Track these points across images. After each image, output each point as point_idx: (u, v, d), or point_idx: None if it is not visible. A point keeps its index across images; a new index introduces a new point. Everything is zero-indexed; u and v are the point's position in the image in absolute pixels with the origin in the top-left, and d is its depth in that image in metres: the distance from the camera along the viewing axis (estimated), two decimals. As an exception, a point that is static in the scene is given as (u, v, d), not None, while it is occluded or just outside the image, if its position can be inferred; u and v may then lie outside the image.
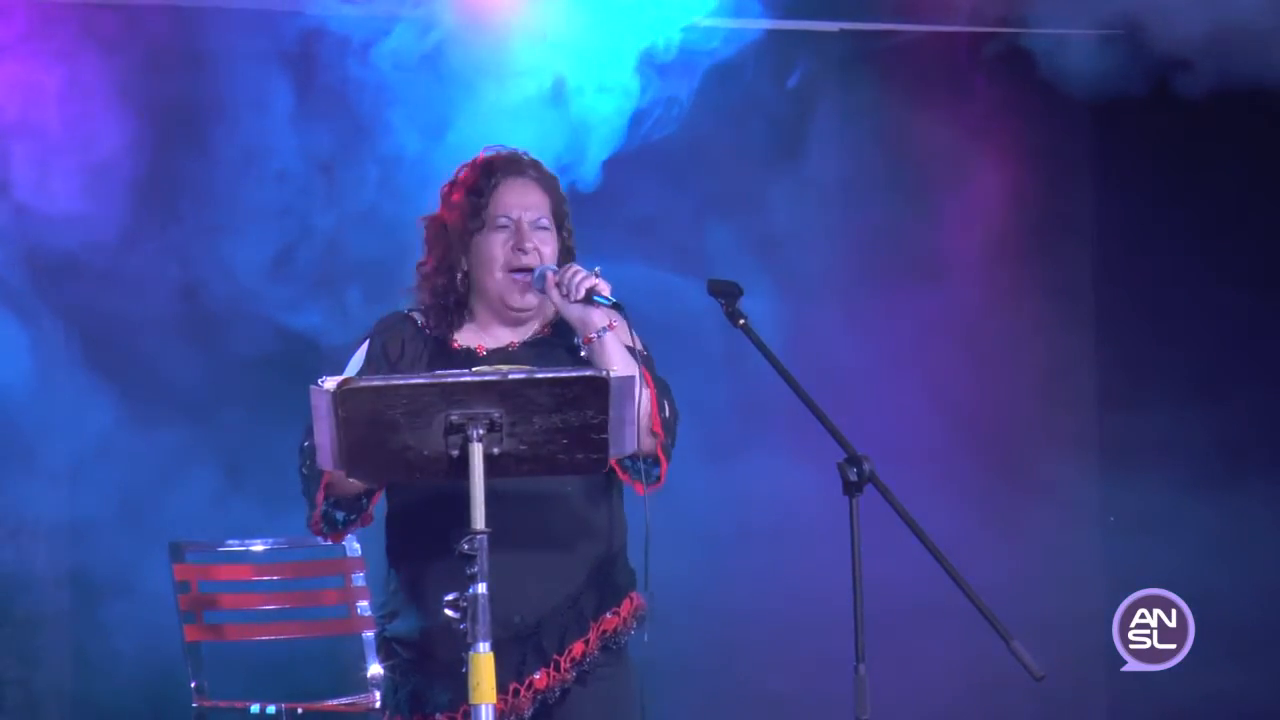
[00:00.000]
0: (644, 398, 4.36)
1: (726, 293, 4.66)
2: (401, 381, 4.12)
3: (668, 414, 4.48)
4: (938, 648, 7.20)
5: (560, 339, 4.58)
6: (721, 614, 7.22)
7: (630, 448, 4.23)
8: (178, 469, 6.86)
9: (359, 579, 6.68)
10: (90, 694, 6.92)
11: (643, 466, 4.46)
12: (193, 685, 6.35)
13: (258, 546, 6.66)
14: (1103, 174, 7.96)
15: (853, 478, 4.46)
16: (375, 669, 6.60)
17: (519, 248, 4.53)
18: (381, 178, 6.90)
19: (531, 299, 4.56)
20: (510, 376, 4.10)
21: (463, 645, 4.10)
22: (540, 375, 4.12)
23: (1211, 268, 7.70)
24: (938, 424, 7.56)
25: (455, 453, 4.07)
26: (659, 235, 7.13)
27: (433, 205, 6.69)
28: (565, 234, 4.64)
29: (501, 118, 6.46)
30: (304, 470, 4.49)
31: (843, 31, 7.63)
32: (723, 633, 7.28)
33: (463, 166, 4.65)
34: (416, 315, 4.62)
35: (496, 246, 4.54)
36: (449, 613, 4.12)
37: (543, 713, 4.44)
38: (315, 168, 6.93)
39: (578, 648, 4.45)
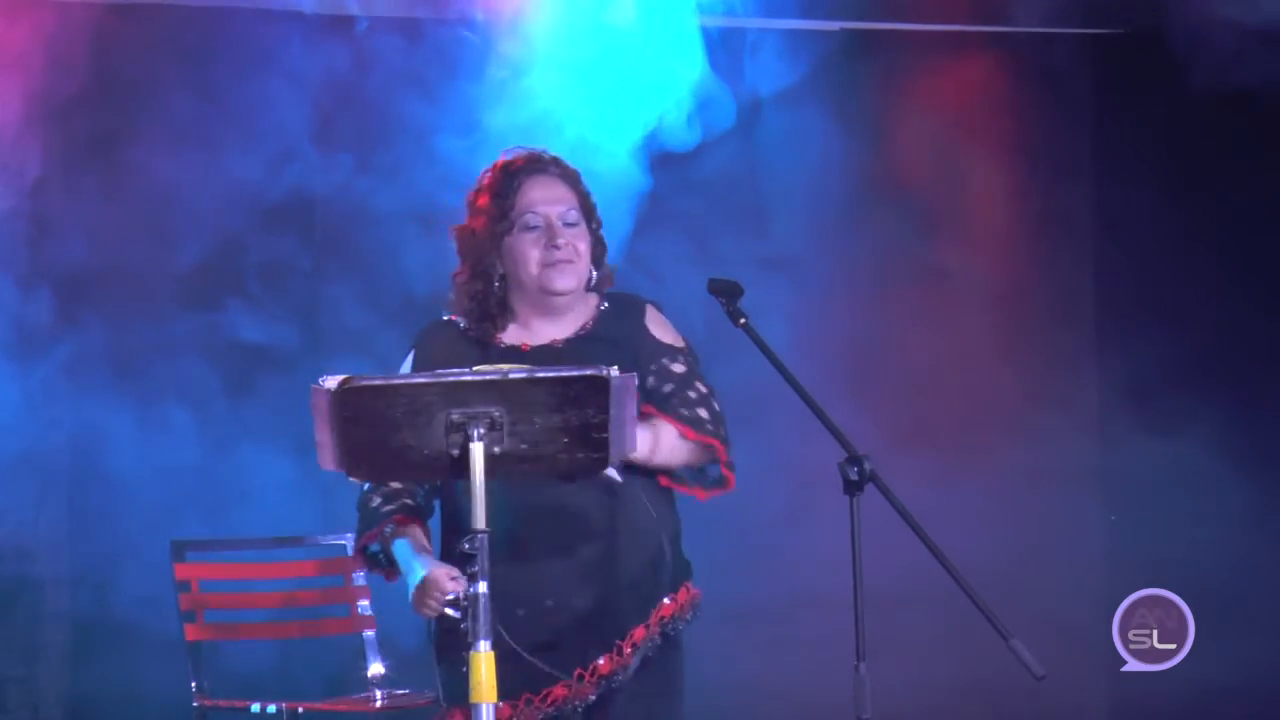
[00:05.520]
0: (667, 432, 4.49)
1: (727, 292, 4.67)
2: (402, 381, 4.12)
3: (708, 421, 4.55)
4: (937, 646, 7.20)
5: (605, 334, 4.60)
6: (721, 609, 7.21)
7: (631, 447, 4.24)
8: (178, 465, 6.87)
9: (359, 578, 6.68)
10: (90, 693, 6.92)
11: (694, 473, 4.56)
12: (193, 685, 6.35)
13: (258, 546, 6.66)
14: (1103, 171, 7.96)
15: (853, 477, 4.46)
16: (376, 668, 6.61)
17: (552, 244, 4.55)
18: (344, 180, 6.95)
19: (572, 282, 4.57)
20: (511, 375, 4.10)
21: (538, 632, 4.33)
22: (541, 374, 4.12)
23: (1212, 262, 7.70)
24: (936, 420, 7.56)
25: (456, 452, 4.07)
26: (654, 233, 7.13)
27: (381, 210, 6.84)
28: (595, 226, 4.65)
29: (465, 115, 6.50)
30: (361, 510, 4.59)
31: (843, 30, 7.64)
32: (722, 628, 7.27)
33: (486, 172, 4.66)
34: (458, 320, 4.64)
35: (528, 246, 4.56)
36: (450, 612, 4.13)
37: (605, 697, 4.50)
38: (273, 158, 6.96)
39: (639, 632, 4.50)
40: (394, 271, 7.03)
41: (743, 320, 4.64)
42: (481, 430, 4.06)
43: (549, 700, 4.47)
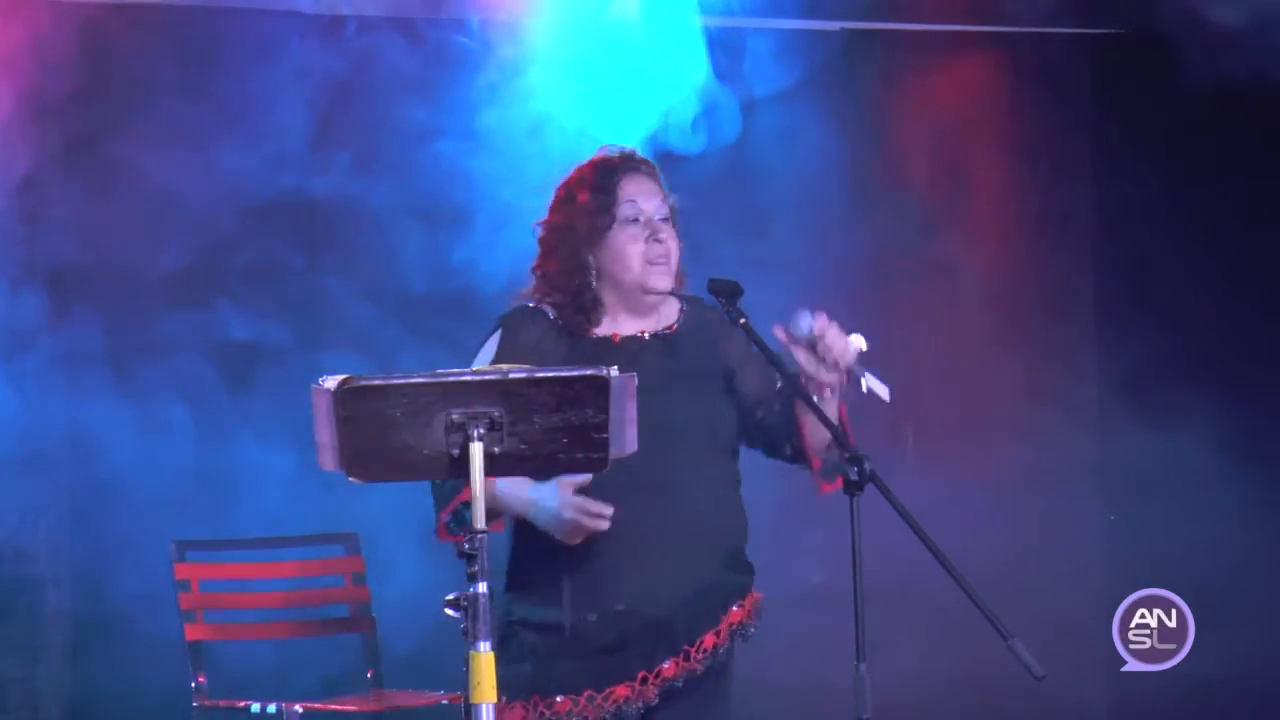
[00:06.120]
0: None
1: (727, 292, 4.67)
2: (402, 380, 4.11)
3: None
4: (937, 646, 7.19)
5: (691, 337, 4.66)
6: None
7: (631, 447, 4.22)
8: (177, 465, 6.86)
9: (359, 579, 6.68)
10: (90, 693, 6.92)
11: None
12: (193, 684, 6.35)
13: (258, 546, 6.66)
14: (1102, 169, 7.96)
15: (853, 476, 4.46)
16: (376, 668, 6.60)
17: (654, 238, 4.60)
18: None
19: (668, 282, 4.62)
20: (511, 375, 4.09)
21: (606, 634, 4.42)
22: (541, 374, 4.11)
23: (1210, 260, 7.70)
24: (936, 418, 7.56)
25: (455, 451, 4.06)
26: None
27: (379, 208, 6.84)
28: (676, 228, 4.70)
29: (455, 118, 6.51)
30: (435, 485, 4.56)
31: (842, 30, 7.63)
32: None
33: (579, 168, 4.70)
34: (546, 309, 4.65)
35: (629, 241, 4.60)
36: (450, 612, 4.13)
37: (666, 700, 4.52)
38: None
39: (709, 639, 4.54)
40: (392, 269, 7.04)
41: (742, 320, 4.64)
42: (481, 430, 4.05)
43: (610, 699, 4.50)
